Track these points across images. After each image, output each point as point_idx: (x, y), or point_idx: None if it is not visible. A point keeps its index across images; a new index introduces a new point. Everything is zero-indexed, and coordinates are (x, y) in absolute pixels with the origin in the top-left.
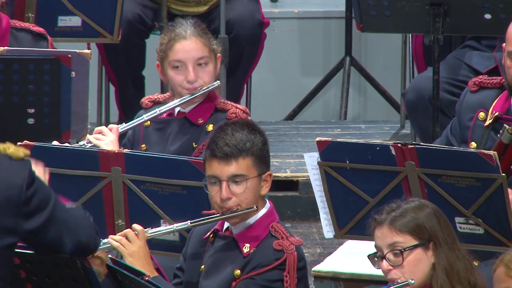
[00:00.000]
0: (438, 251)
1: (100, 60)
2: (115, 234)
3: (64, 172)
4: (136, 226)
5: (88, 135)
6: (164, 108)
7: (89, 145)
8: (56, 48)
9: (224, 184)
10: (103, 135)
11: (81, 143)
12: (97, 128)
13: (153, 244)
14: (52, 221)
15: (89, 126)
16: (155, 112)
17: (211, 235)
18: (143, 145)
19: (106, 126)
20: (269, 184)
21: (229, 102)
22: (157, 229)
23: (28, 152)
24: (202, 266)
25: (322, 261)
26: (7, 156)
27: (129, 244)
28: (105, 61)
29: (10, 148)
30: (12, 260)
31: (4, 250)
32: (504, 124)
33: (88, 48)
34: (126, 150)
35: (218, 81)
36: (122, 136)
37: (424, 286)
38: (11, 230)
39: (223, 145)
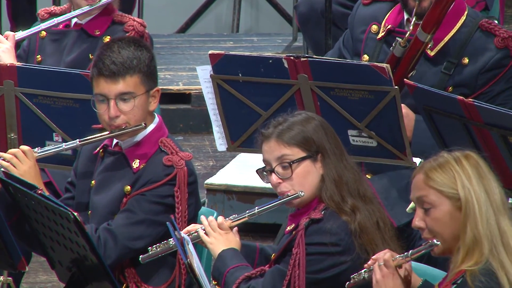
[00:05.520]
0: (326, 162)
1: None
2: (7, 147)
3: None
4: (23, 147)
5: None
6: (62, 18)
7: None
8: None
9: (112, 103)
10: None
11: None
12: None
13: (46, 157)
14: None
15: None
16: (53, 21)
17: (101, 151)
18: (38, 56)
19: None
20: (158, 100)
21: (126, 15)
22: (46, 148)
23: None
24: (93, 182)
25: (215, 174)
26: None
27: (19, 164)
28: None
29: None
30: None
31: None
32: (397, 37)
33: None
34: (19, 63)
35: None
36: (18, 45)
37: (314, 198)
38: None
39: (109, 64)
